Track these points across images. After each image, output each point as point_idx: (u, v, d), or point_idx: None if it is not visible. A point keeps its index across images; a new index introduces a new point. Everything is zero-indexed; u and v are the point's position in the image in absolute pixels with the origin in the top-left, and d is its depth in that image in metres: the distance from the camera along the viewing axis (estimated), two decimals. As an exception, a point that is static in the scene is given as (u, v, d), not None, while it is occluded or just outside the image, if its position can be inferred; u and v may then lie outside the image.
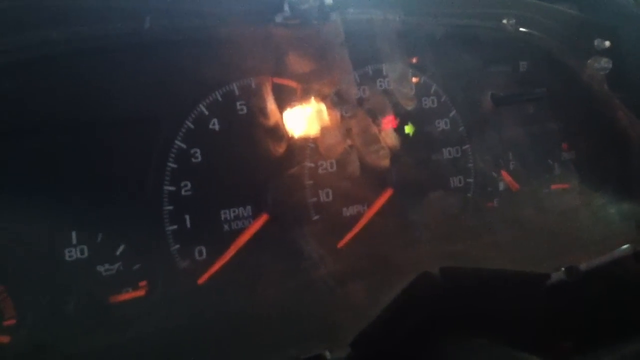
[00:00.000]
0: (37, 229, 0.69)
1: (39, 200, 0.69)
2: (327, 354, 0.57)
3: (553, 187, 1.04)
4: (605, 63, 0.99)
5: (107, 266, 0.72)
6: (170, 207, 0.75)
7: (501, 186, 1.00)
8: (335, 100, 0.85)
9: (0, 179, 0.68)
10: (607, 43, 0.97)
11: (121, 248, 0.73)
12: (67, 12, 0.67)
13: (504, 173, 1.00)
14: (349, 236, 0.86)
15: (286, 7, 0.77)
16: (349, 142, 0.86)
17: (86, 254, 0.71)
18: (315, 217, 0.84)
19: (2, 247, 0.67)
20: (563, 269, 0.72)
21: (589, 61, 1.00)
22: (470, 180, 0.97)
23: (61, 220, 0.70)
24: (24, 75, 0.68)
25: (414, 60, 0.92)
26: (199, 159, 0.77)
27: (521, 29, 0.98)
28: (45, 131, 0.70)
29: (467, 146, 0.96)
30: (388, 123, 0.89)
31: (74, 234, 0.70)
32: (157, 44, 0.74)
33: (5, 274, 0.67)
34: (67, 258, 0.70)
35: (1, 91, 0.67)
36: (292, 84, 0.83)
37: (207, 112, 0.78)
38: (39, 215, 0.69)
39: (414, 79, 0.92)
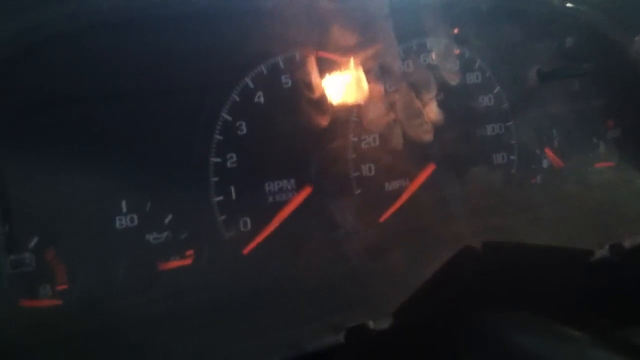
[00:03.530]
0: (88, 197, 0.71)
1: (90, 169, 0.71)
2: (371, 323, 0.58)
3: (597, 165, 1.03)
4: (653, 40, 0.97)
5: (155, 235, 0.74)
6: (216, 179, 0.77)
7: (545, 163, 0.99)
8: (379, 74, 0.85)
9: (53, 147, 0.70)
10: (656, 19, 0.95)
11: (169, 217, 0.75)
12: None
13: (547, 150, 0.99)
14: (390, 210, 0.86)
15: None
16: (392, 116, 0.86)
17: (136, 222, 0.73)
18: (358, 191, 0.85)
19: (56, 213, 0.69)
20: (607, 246, 0.71)
21: (636, 37, 0.98)
22: (514, 157, 0.96)
23: (112, 188, 0.72)
24: (75, 44, 0.69)
25: (459, 35, 0.91)
26: (245, 132, 0.78)
27: (568, 4, 0.96)
28: (95, 100, 0.72)
29: (510, 122, 0.95)
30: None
31: (124, 203, 0.72)
32: (204, 14, 0.75)
33: (59, 239, 0.70)
34: (117, 226, 0.72)
35: (52, 60, 0.69)
36: (336, 57, 0.83)
37: (252, 85, 0.79)
38: (91, 184, 0.71)
39: (458, 53, 0.91)
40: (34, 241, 0.69)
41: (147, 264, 0.73)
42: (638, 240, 0.73)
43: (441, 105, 0.89)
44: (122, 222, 0.72)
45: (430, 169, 0.88)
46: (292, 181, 0.81)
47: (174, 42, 0.75)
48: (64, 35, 0.68)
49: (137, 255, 0.73)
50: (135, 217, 0.73)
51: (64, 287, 0.70)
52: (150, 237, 0.74)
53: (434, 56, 0.89)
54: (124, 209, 0.72)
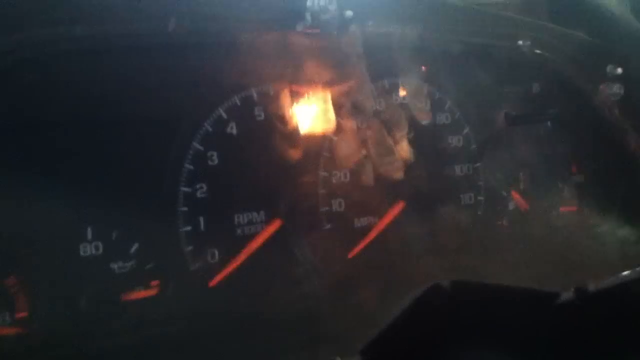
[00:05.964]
0: (53, 223, 0.69)
1: (56, 194, 0.69)
2: (338, 360, 0.57)
3: (562, 209, 1.05)
4: (617, 89, 0.99)
5: (120, 264, 0.73)
6: (185, 209, 0.76)
7: (511, 205, 1.00)
8: (351, 111, 0.86)
9: (20, 171, 0.68)
10: (620, 70, 0.98)
11: (135, 246, 0.73)
12: (92, 10, 0.68)
13: (513, 193, 1.01)
14: (359, 247, 0.86)
15: (308, 17, 0.77)
16: (363, 152, 0.87)
17: (101, 250, 0.71)
18: (327, 226, 0.85)
19: (18, 239, 0.68)
20: (572, 288, 0.72)
21: (601, 86, 1.00)
22: (481, 197, 0.97)
23: (78, 215, 0.71)
24: (48, 70, 0.68)
25: (430, 75, 0.93)
26: (216, 162, 0.78)
27: (536, 50, 0.99)
28: (65, 126, 0.71)
29: (478, 164, 0.97)
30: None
31: (89, 230, 0.71)
32: (180, 46, 0.75)
33: (20, 266, 0.68)
34: (81, 253, 0.71)
35: (23, 85, 0.68)
36: (309, 92, 0.84)
37: (225, 116, 0.79)
38: (56, 210, 0.69)
39: (429, 94, 0.93)
40: (-7, 267, 0.66)
41: (111, 293, 0.71)
42: (602, 284, 0.74)
43: (412, 143, 0.91)
44: (87, 249, 0.71)
45: (399, 206, 0.89)
46: (262, 213, 0.81)
47: (148, 72, 0.74)
48: (36, 60, 0.67)
49: (101, 284, 0.71)
50: (101, 245, 0.72)
51: (24, 314, 0.68)
52: (115, 266, 0.72)
53: (405, 95, 0.91)
54: (89, 237, 0.71)
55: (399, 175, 0.88)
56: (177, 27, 0.71)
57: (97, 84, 0.71)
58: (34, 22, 0.65)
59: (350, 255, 0.86)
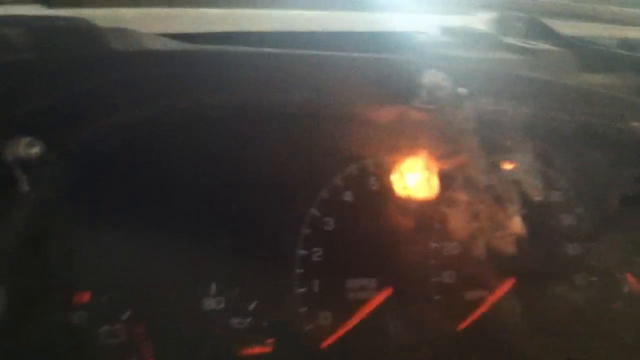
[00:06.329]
0: (180, 276, 0.74)
1: (185, 251, 0.74)
2: None
3: (682, 295, 1.00)
4: None
5: (239, 319, 0.76)
6: (301, 270, 0.79)
7: (625, 288, 0.97)
8: (464, 185, 0.88)
9: (157, 229, 0.74)
10: None
11: (254, 304, 0.76)
12: (221, 81, 0.74)
13: (628, 275, 0.98)
14: (469, 320, 0.86)
15: (424, 92, 0.81)
16: (475, 225, 0.88)
17: (223, 305, 0.75)
18: (437, 297, 0.85)
19: (150, 290, 0.72)
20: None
21: None
22: (594, 279, 0.95)
23: (203, 270, 0.75)
24: (181, 135, 0.75)
25: (542, 153, 0.93)
26: (332, 228, 0.81)
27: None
28: (196, 188, 0.77)
29: (592, 244, 0.95)
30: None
31: (213, 285, 0.75)
32: (302, 116, 0.80)
33: (149, 315, 0.72)
34: (204, 307, 0.74)
35: (155, 149, 0.74)
36: (423, 165, 0.87)
37: (342, 184, 0.82)
38: (184, 264, 0.75)
39: (542, 171, 0.93)
40: (127, 314, 0.71)
41: (228, 347, 0.74)
42: None
43: (524, 220, 0.90)
44: (210, 304, 0.74)
45: (510, 282, 0.88)
46: (373, 280, 0.82)
47: (272, 140, 0.80)
48: (172, 125, 0.74)
49: (220, 338, 0.74)
50: (223, 300, 0.75)
51: (151, 362, 0.72)
52: (235, 321, 0.75)
53: (517, 172, 0.92)
54: (213, 292, 0.75)
55: (510, 250, 0.88)
56: (302, 99, 0.77)
57: (227, 150, 0.77)
58: (179, 91, 0.71)
59: (458, 328, 0.85)
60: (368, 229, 0.83)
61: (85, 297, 0.70)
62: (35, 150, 0.60)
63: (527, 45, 1.05)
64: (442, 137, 0.86)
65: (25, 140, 0.59)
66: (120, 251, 0.72)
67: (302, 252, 0.80)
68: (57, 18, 0.77)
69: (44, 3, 0.89)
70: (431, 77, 0.81)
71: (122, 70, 0.68)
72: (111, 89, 0.67)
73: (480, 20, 1.25)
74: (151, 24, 0.88)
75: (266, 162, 0.80)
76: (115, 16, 0.89)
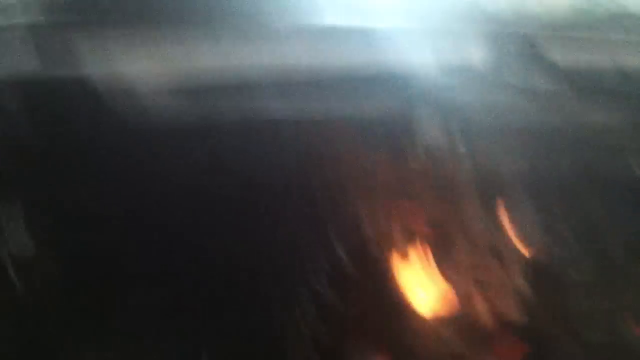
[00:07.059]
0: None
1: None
2: None
3: None
4: None
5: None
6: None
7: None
8: (463, 243, 0.85)
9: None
10: None
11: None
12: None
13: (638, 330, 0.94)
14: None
15: (421, 152, 0.78)
16: (478, 290, 0.84)
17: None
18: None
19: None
20: None
21: None
22: (606, 336, 0.91)
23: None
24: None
25: (543, 203, 0.90)
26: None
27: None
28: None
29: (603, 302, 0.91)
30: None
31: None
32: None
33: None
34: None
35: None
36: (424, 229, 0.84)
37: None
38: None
39: (543, 224, 0.90)
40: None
41: None
42: None
43: (527, 276, 0.87)
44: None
45: (521, 349, 0.85)
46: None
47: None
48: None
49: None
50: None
51: None
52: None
53: (518, 225, 0.88)
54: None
55: (517, 314, 0.84)
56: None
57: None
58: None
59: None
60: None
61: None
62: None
63: (526, 86, 1.02)
64: (440, 198, 0.83)
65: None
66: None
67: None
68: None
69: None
70: (428, 137, 0.78)
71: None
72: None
73: (477, 56, 1.22)
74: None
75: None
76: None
